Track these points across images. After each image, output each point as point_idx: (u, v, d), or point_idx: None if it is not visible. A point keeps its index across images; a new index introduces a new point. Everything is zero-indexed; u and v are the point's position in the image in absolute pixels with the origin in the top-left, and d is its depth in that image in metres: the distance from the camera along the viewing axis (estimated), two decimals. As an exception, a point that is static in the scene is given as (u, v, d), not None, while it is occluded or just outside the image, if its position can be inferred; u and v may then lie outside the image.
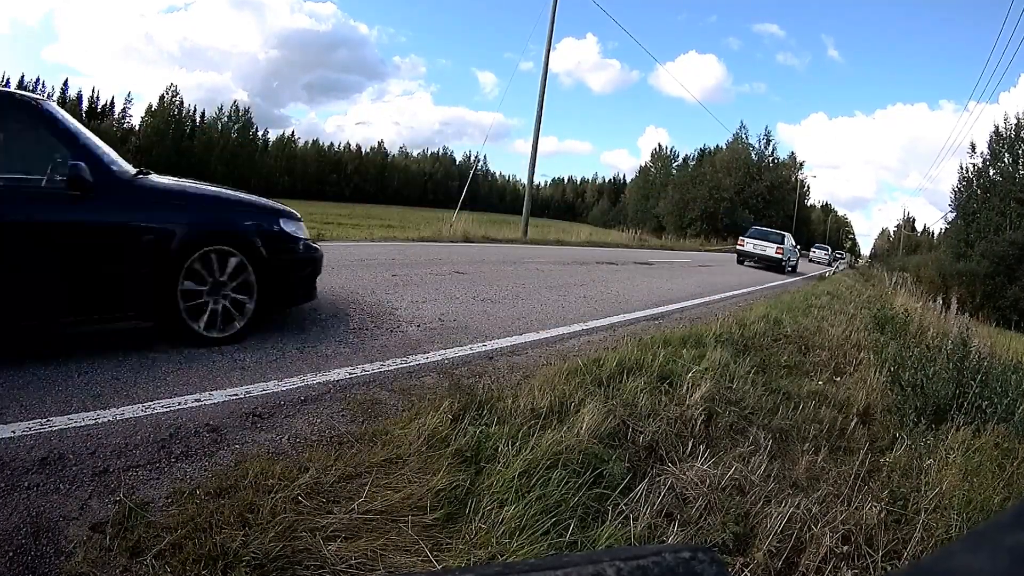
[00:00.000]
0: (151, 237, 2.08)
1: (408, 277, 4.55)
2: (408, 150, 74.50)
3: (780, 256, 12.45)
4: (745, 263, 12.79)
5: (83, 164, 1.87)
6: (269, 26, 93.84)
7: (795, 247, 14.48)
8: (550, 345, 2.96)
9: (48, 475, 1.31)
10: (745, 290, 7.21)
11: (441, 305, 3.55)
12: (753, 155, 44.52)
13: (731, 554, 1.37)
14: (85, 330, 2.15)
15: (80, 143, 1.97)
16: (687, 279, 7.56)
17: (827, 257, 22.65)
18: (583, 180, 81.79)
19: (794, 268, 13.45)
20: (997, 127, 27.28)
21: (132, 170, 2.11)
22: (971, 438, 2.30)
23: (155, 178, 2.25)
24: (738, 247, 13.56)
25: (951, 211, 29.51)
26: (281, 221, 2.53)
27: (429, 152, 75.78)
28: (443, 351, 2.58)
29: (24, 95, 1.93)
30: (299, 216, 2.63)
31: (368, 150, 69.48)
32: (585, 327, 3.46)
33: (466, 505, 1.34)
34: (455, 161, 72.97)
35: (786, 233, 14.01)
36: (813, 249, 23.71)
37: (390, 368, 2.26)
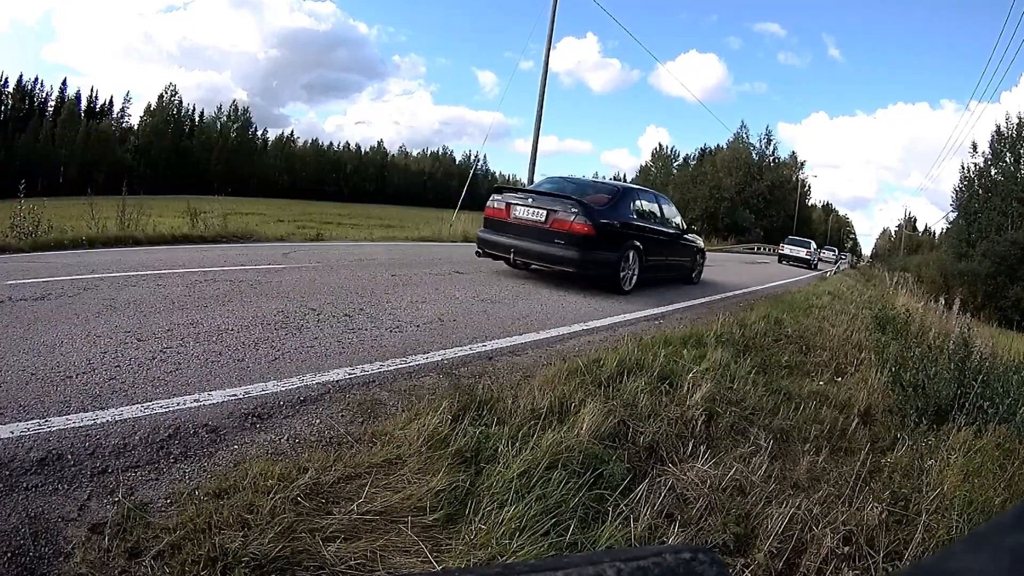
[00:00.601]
0: (690, 248, 6.26)
1: (408, 277, 4.54)
2: (408, 150, 74.40)
3: (809, 257, 18.77)
4: (783, 263, 18.43)
5: (681, 226, 6.03)
6: (268, 25, 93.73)
7: (817, 250, 20.77)
8: (550, 345, 2.96)
9: (47, 476, 1.30)
10: (746, 290, 7.20)
11: (441, 305, 3.54)
12: (754, 155, 44.52)
13: (732, 555, 1.36)
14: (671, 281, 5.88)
15: (679, 220, 6.03)
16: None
17: (834, 257, 27.16)
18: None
19: (815, 266, 18.89)
20: (999, 126, 27.30)
21: (685, 228, 6.05)
22: (972, 439, 2.29)
23: (687, 234, 6.15)
24: (779, 251, 20.13)
25: (953, 211, 29.54)
26: (702, 244, 6.78)
27: (429, 152, 75.73)
28: (443, 351, 2.57)
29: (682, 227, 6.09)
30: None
31: (367, 150, 69.50)
32: (585, 327, 3.46)
33: (466, 506, 1.34)
34: (455, 161, 72.94)
35: (811, 240, 20.76)
36: (822, 250, 28.47)
37: (389, 368, 2.25)
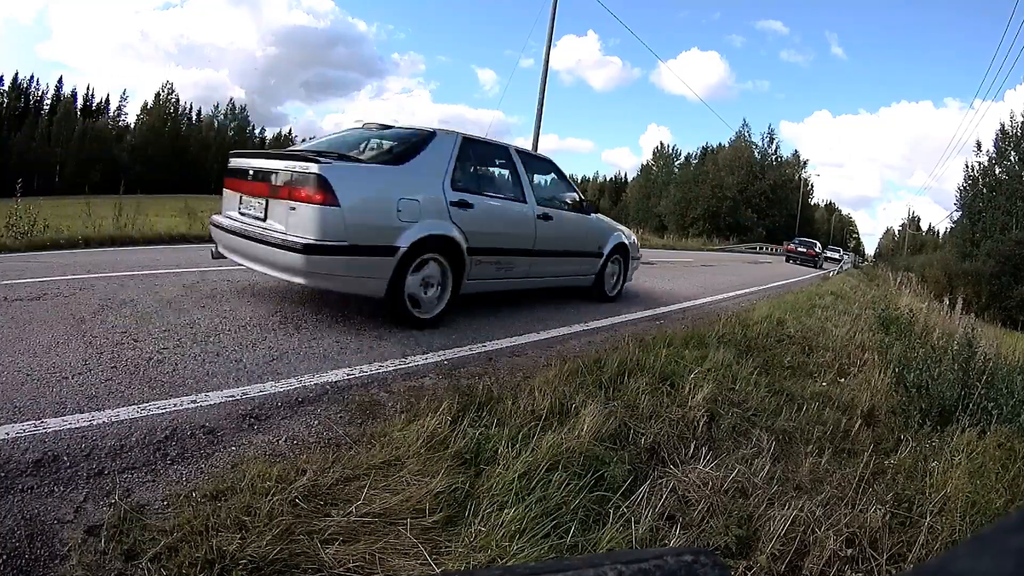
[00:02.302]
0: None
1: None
2: (408, 148, 74.20)
3: (840, 258, 25.53)
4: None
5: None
6: (266, 23, 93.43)
7: (843, 253, 29.58)
8: (550, 345, 2.94)
9: (42, 477, 1.29)
10: (748, 290, 7.18)
11: (441, 305, 3.52)
12: (756, 153, 44.45)
13: (734, 557, 1.35)
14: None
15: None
16: (689, 279, 7.53)
17: (839, 256, 31.29)
18: (584, 179, 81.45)
19: (842, 263, 26.29)
20: (1003, 125, 27.22)
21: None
22: (976, 440, 2.27)
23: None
24: (827, 254, 27.11)
25: (957, 210, 29.48)
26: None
27: (429, 151, 75.52)
28: (442, 351, 2.56)
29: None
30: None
31: (368, 149, 69.30)
32: (586, 327, 3.44)
33: (465, 508, 1.33)
34: (456, 160, 72.76)
35: (840, 248, 30.07)
36: (844, 253, 36.24)
37: (388, 369, 2.24)
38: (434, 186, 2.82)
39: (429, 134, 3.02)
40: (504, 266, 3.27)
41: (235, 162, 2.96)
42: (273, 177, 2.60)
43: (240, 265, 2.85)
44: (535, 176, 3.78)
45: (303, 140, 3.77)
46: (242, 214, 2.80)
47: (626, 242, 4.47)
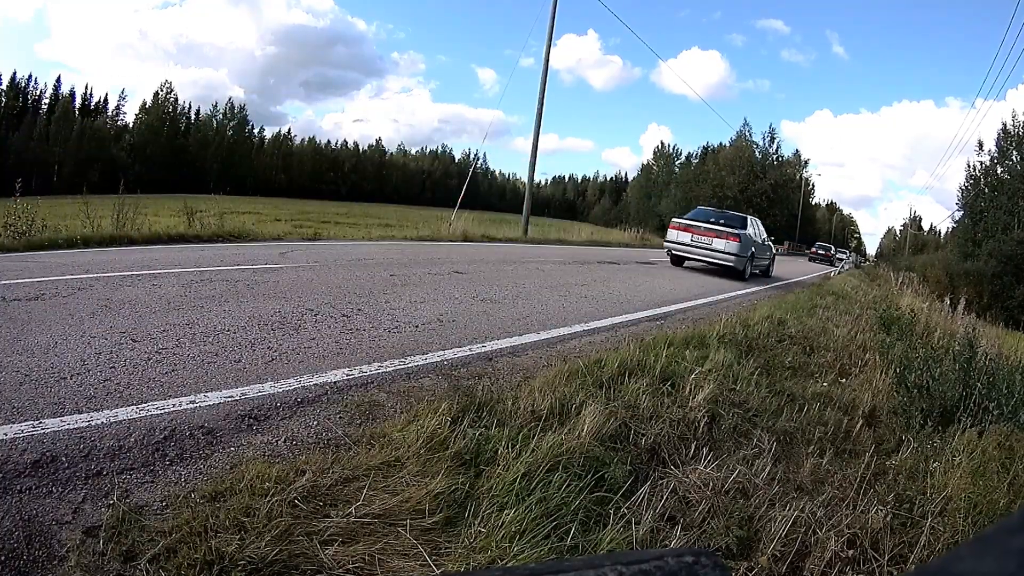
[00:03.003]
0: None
1: (406, 277, 4.53)
2: (406, 148, 74.34)
3: (845, 258, 27.30)
4: (836, 263, 26.84)
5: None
6: (266, 22, 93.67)
7: (849, 254, 32.14)
8: (551, 346, 2.94)
9: (41, 478, 1.29)
10: (749, 290, 7.17)
11: (440, 305, 3.53)
12: (757, 153, 44.42)
13: (735, 558, 1.35)
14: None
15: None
16: (690, 279, 7.52)
17: (845, 256, 31.49)
18: (584, 178, 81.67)
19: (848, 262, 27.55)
20: (1005, 124, 27.17)
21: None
22: (977, 440, 2.27)
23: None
24: (838, 255, 30.53)
25: (958, 210, 29.49)
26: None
27: (428, 150, 75.72)
28: (442, 352, 2.55)
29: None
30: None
31: (366, 148, 69.46)
32: (586, 328, 3.44)
33: (465, 508, 1.32)
34: (454, 159, 72.92)
35: (846, 249, 30.83)
36: (849, 254, 38.61)
37: (388, 369, 2.23)
38: (750, 235, 8.26)
39: (744, 216, 9.00)
40: (754, 260, 8.41)
41: (680, 221, 8.53)
42: (716, 231, 8.05)
43: (694, 260, 8.43)
44: (758, 224, 9.20)
45: (682, 216, 9.47)
46: (693, 241, 8.17)
47: (775, 252, 10.28)
